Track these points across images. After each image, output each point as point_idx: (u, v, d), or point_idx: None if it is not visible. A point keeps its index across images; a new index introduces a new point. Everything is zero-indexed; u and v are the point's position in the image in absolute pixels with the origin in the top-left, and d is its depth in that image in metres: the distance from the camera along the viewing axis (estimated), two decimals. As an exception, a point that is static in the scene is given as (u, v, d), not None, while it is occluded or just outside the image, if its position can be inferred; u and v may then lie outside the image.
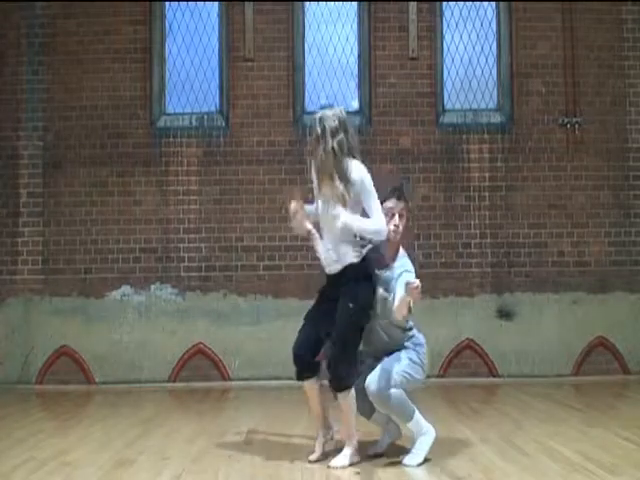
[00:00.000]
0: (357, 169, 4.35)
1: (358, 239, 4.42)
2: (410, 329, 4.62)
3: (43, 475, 4.27)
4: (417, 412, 4.50)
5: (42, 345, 7.72)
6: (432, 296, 7.68)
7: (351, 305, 4.32)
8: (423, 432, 4.50)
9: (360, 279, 4.38)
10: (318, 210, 4.51)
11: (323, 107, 4.51)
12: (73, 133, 7.92)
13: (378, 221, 4.31)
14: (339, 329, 4.35)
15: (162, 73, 8.08)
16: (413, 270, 4.49)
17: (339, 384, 4.36)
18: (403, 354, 4.51)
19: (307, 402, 4.64)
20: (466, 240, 7.90)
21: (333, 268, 4.46)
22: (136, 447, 4.95)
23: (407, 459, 4.45)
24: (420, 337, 4.65)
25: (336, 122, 4.35)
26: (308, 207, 4.58)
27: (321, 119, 4.37)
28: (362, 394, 4.48)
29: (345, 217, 4.28)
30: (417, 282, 4.09)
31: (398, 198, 4.54)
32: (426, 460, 4.44)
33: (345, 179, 4.30)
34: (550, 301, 7.85)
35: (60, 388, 7.52)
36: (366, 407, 4.63)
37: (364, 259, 4.43)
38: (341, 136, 4.34)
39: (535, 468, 4.28)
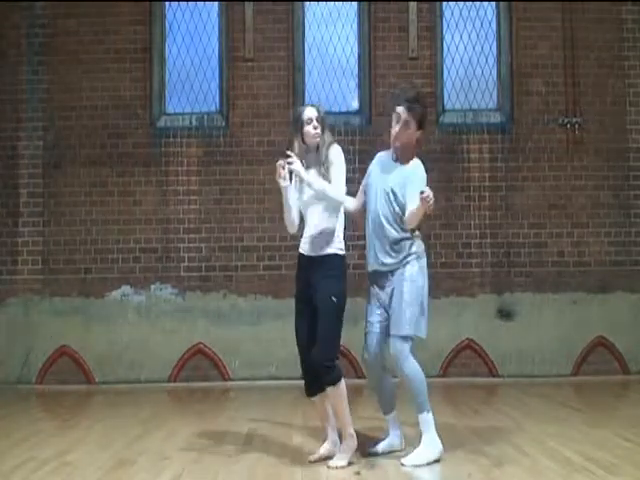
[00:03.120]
0: (336, 151, 4.53)
1: (339, 227, 4.53)
2: (411, 242, 4.62)
3: (43, 475, 4.28)
4: (431, 414, 4.50)
5: (42, 345, 7.72)
6: (432, 296, 7.62)
7: (334, 299, 4.41)
8: (431, 437, 4.47)
9: (339, 273, 4.49)
10: (301, 196, 4.59)
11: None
12: (73, 133, 7.92)
13: (337, 188, 4.45)
14: (324, 324, 4.40)
15: (162, 73, 8.08)
16: (424, 178, 4.61)
17: (331, 377, 4.39)
18: (399, 302, 4.55)
19: (317, 413, 4.66)
20: (466, 240, 7.90)
21: (311, 251, 4.52)
22: (136, 447, 4.95)
23: (406, 459, 4.45)
24: (418, 266, 4.66)
25: (323, 111, 4.61)
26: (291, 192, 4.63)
27: (318, 109, 4.57)
28: (379, 387, 4.63)
29: (310, 177, 4.44)
30: (428, 191, 4.25)
31: (395, 104, 4.69)
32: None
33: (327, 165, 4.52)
34: (550, 301, 7.85)
35: (60, 388, 7.52)
36: (383, 401, 4.70)
37: (343, 257, 4.53)
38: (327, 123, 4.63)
39: (535, 468, 4.28)
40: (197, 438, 5.22)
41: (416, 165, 4.68)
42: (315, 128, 4.51)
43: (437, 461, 4.45)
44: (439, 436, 4.51)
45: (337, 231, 4.53)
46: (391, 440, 4.74)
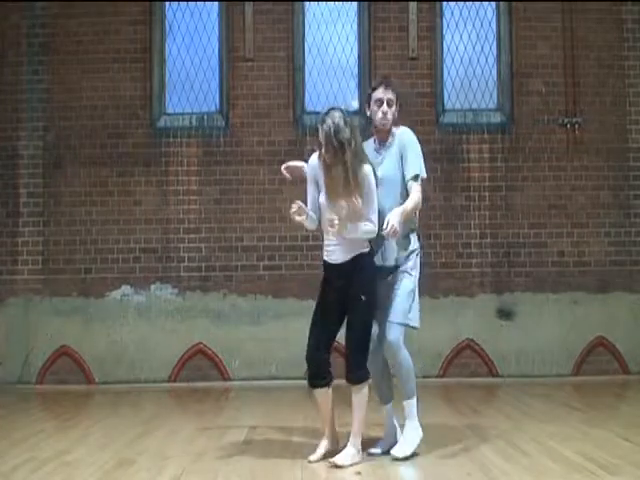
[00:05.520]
0: (368, 176, 4.40)
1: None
2: (411, 238, 4.65)
3: (43, 475, 4.27)
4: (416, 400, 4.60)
5: (42, 345, 7.72)
6: (432, 296, 7.67)
7: (363, 297, 4.42)
8: (414, 422, 4.57)
9: (366, 268, 4.47)
10: (323, 207, 4.51)
11: (330, 109, 4.42)
12: (73, 133, 7.92)
13: (375, 225, 4.42)
14: (356, 324, 4.43)
15: (162, 73, 8.08)
16: (415, 143, 4.62)
17: (357, 376, 4.42)
18: (400, 291, 4.55)
19: (317, 408, 4.66)
20: (466, 240, 7.90)
21: (341, 259, 4.48)
22: (136, 447, 4.95)
23: (395, 450, 4.52)
24: (417, 260, 4.67)
25: (349, 132, 4.34)
26: (309, 210, 4.57)
27: (336, 132, 4.30)
28: (380, 376, 4.65)
29: (356, 230, 4.40)
30: (391, 225, 4.24)
31: (386, 86, 4.67)
32: (425, 460, 4.46)
33: (360, 191, 4.36)
34: (550, 301, 7.85)
35: (60, 388, 7.52)
36: (384, 390, 4.73)
37: (371, 248, 4.52)
38: (354, 145, 4.36)
39: (535, 468, 4.28)
40: (197, 438, 5.22)
41: (401, 136, 4.65)
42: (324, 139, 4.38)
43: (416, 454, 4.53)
44: (421, 425, 4.60)
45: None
46: (390, 439, 4.74)
